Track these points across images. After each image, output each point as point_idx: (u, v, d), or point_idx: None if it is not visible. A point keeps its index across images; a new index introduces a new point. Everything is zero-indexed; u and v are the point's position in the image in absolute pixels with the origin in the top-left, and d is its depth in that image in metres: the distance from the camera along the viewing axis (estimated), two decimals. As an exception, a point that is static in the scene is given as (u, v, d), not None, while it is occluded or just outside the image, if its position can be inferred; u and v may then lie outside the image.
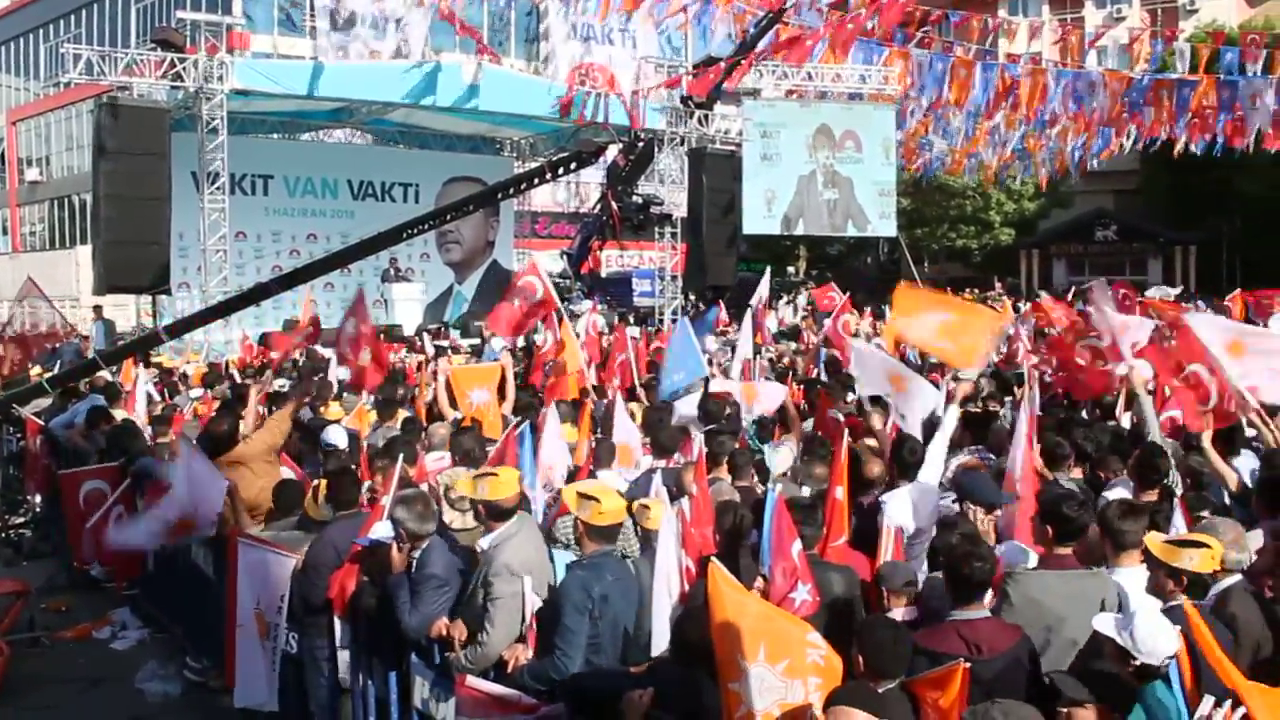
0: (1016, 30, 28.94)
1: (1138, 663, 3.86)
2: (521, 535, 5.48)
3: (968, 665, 3.92)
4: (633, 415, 9.32)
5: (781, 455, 7.84)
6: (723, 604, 4.01)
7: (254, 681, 6.55)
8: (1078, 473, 7.22)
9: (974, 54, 25.55)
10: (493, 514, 5.55)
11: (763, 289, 22.49)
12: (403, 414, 10.16)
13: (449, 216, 13.05)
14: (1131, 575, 4.91)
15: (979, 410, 9.37)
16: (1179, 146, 27.24)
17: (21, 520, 13.04)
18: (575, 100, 23.56)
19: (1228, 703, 3.50)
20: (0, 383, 13.06)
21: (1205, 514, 5.84)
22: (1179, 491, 6.40)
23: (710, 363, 13.89)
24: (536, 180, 11.49)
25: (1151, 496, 6.22)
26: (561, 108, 23.55)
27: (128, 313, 26.92)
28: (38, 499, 12.80)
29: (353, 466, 7.72)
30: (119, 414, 11.31)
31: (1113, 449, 7.43)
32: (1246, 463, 7.28)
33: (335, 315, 26.84)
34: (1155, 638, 3.85)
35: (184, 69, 21.25)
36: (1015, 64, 25.03)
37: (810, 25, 24.68)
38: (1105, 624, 3.99)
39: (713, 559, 4.14)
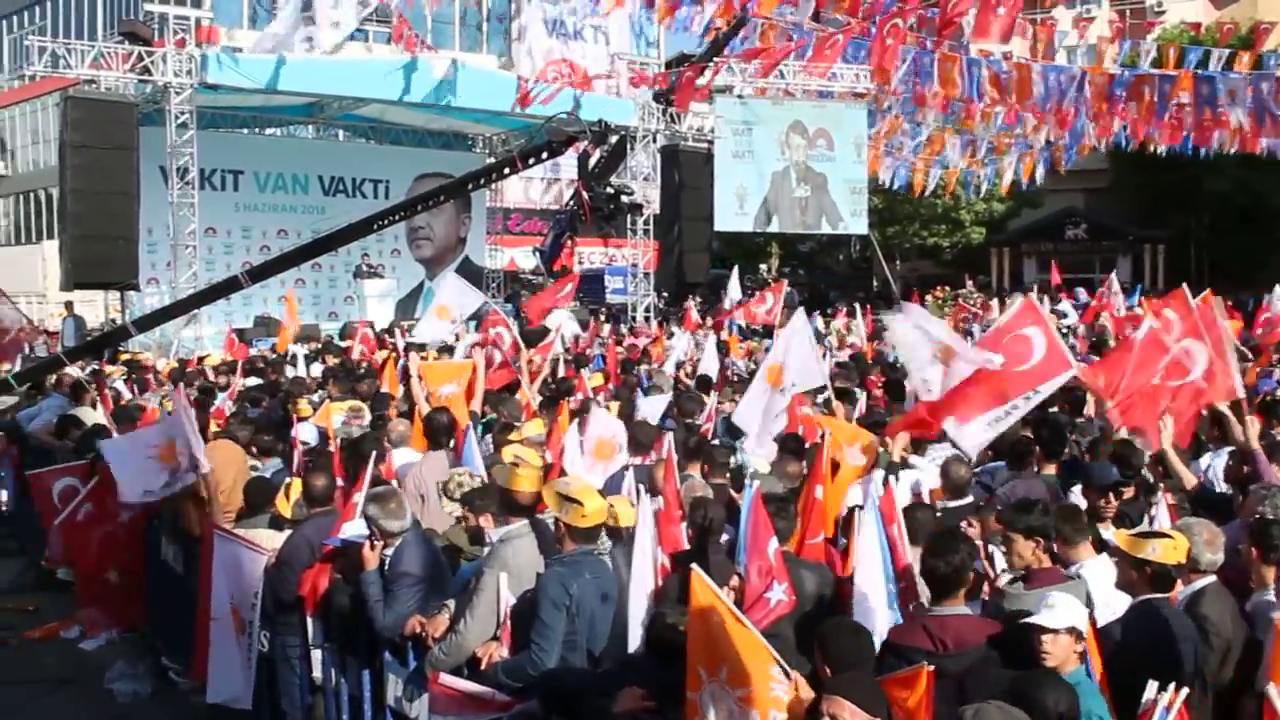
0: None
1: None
2: (530, 537, 5.48)
3: (932, 668, 3.95)
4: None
5: (755, 452, 7.87)
6: (699, 613, 4.01)
7: (227, 676, 6.50)
8: (1052, 469, 7.28)
9: (946, 50, 25.63)
10: (507, 505, 5.56)
11: (733, 288, 22.64)
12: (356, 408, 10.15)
13: (420, 207, 12.98)
14: (1093, 566, 5.14)
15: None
16: (1157, 144, 27.47)
17: (-12, 519, 12.90)
18: (533, 91, 23.51)
19: (1171, 686, 3.56)
20: None
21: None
22: (1161, 488, 6.48)
23: (677, 368, 13.98)
24: (507, 170, 11.48)
25: (1128, 492, 6.29)
26: (520, 98, 23.49)
27: (96, 309, 26.66)
28: (4, 497, 12.67)
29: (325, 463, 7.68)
30: (86, 413, 11.19)
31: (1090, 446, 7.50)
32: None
33: (307, 312, 26.87)
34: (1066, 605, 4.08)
35: (152, 62, 21.05)
36: (1003, 60, 25.10)
37: (786, 22, 24.65)
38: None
39: (695, 565, 4.12)
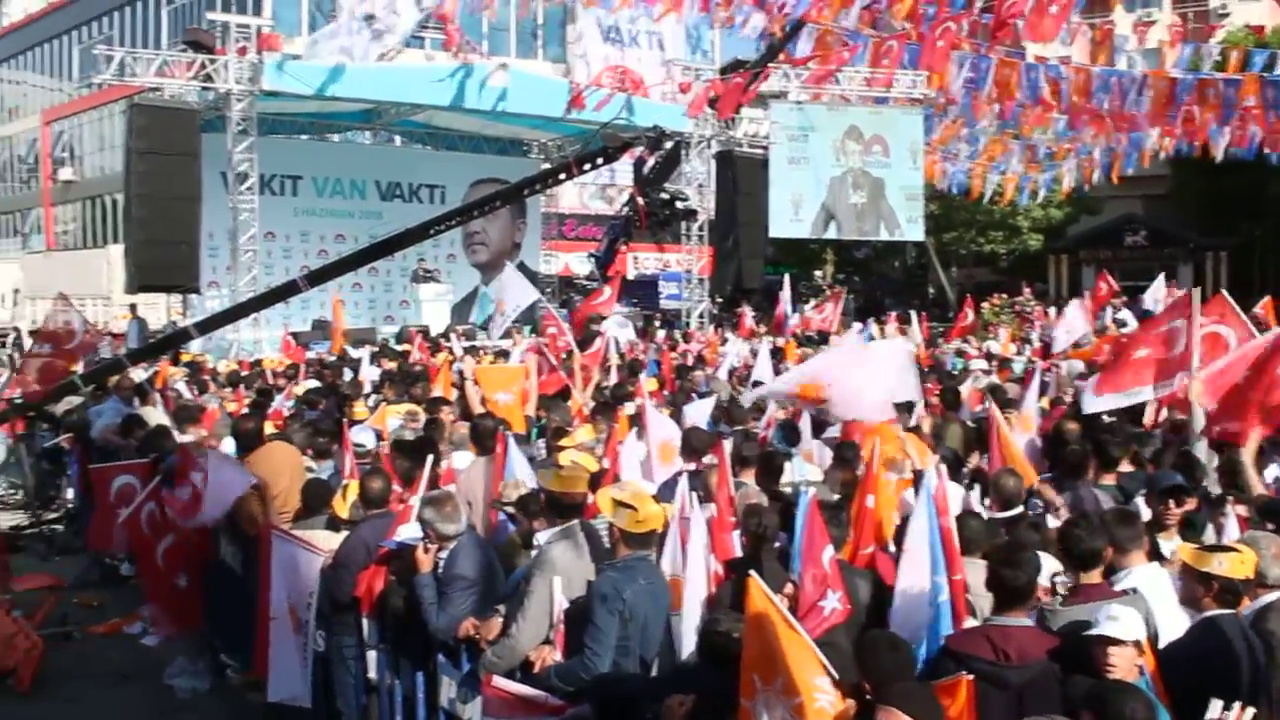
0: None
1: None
2: (577, 539, 5.50)
3: (971, 677, 3.92)
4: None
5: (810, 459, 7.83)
6: (755, 620, 4.00)
7: (287, 675, 6.57)
8: (1110, 479, 7.18)
9: (1003, 55, 25.37)
10: (553, 508, 5.59)
11: (785, 296, 22.57)
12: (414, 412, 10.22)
13: (476, 213, 13.08)
14: (1142, 573, 5.04)
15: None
16: (1219, 149, 26.96)
17: (54, 516, 13.18)
18: (586, 93, 23.58)
19: (1236, 705, 3.49)
20: (42, 389, 13.24)
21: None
22: (1230, 499, 6.36)
23: (730, 375, 13.95)
24: (562, 176, 11.56)
25: (1190, 502, 6.17)
26: (573, 98, 23.57)
27: (158, 311, 27.16)
28: (70, 495, 12.95)
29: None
30: (149, 413, 11.41)
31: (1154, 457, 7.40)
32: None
33: (363, 315, 27.18)
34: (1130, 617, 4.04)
35: (214, 70, 21.42)
36: (1058, 65, 24.79)
37: (841, 28, 24.53)
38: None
39: (752, 572, 4.12)
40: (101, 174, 43.89)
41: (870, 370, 7.90)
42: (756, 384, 12.34)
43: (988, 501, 6.75)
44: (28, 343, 16.97)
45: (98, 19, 43.65)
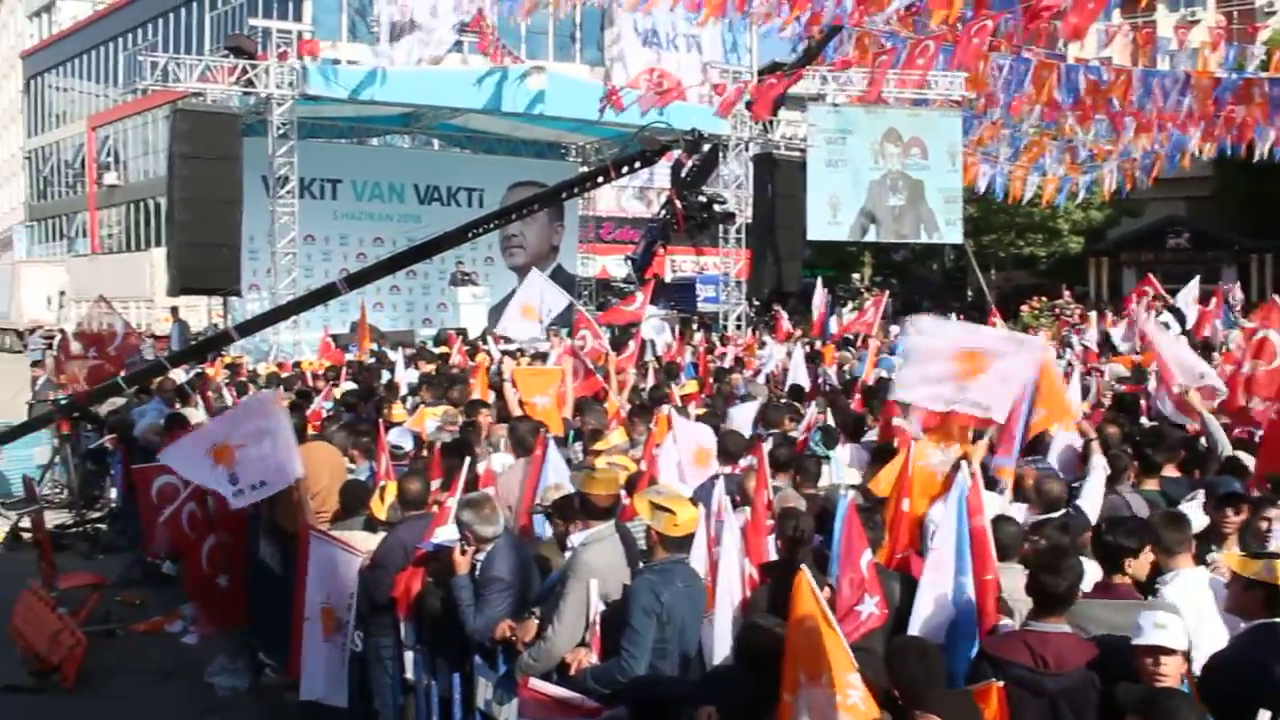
0: (1086, 34, 28.43)
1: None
2: (612, 540, 5.51)
3: (1002, 684, 3.90)
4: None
5: (846, 461, 7.79)
6: (801, 616, 4.03)
7: (318, 675, 6.62)
8: (1153, 484, 7.09)
9: (1043, 57, 25.13)
10: (586, 510, 5.60)
11: (818, 299, 22.47)
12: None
13: (514, 216, 13.14)
14: (1190, 575, 5.03)
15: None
16: (1264, 149, 26.56)
17: (98, 515, 13.37)
18: (622, 93, 23.60)
19: None
20: (88, 390, 13.45)
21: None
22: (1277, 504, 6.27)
23: (767, 379, 13.91)
24: (600, 179, 11.56)
25: (1247, 512, 6.09)
26: (608, 94, 23.58)
27: (199, 313, 27.48)
28: (114, 494, 13.12)
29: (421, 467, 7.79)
30: (192, 413, 11.56)
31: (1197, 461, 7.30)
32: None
33: (401, 318, 27.37)
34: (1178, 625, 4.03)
35: (255, 75, 21.65)
36: (1098, 66, 24.53)
37: (879, 30, 24.41)
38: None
39: (804, 567, 4.13)
40: (145, 178, 44.47)
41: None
42: (794, 388, 12.31)
43: (1026, 506, 6.68)
44: (73, 345, 17.26)
45: (143, 26, 44.22)
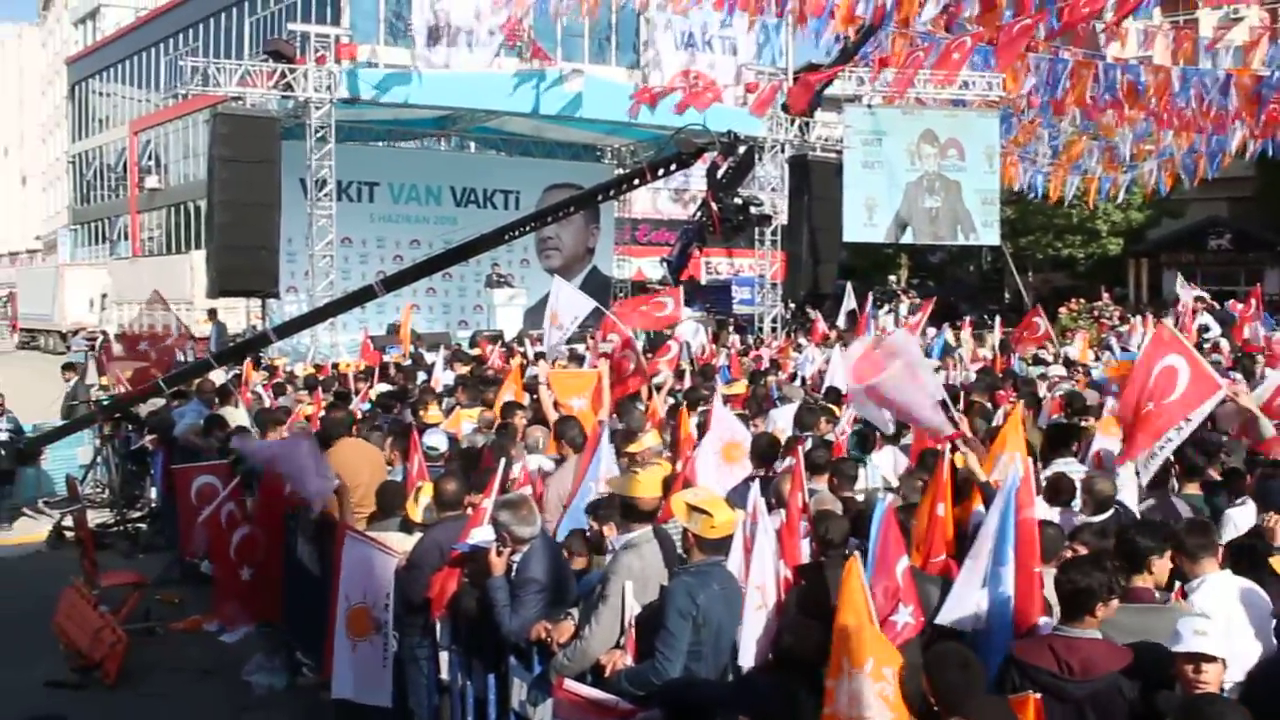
0: (1127, 34, 28.12)
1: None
2: (653, 544, 5.51)
3: (1039, 696, 3.92)
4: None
5: (883, 465, 7.75)
6: (849, 603, 4.11)
7: (347, 674, 6.66)
8: (1194, 488, 7.02)
9: (1080, 59, 24.90)
10: (627, 513, 5.61)
11: (850, 302, 22.38)
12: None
13: (550, 219, 13.15)
14: (1217, 581, 5.02)
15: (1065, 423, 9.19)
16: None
17: (139, 515, 13.52)
18: (657, 91, 23.62)
19: None
20: (130, 392, 13.63)
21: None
22: None
23: (803, 382, 13.87)
24: (637, 181, 11.52)
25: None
26: (641, 92, 23.58)
27: (238, 315, 27.72)
28: (154, 494, 13.27)
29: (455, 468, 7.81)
30: (230, 413, 11.67)
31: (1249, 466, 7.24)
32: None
33: (438, 320, 27.50)
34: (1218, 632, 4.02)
35: (294, 79, 21.84)
36: (1138, 66, 24.27)
37: (916, 31, 24.26)
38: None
39: (855, 554, 4.26)
40: (185, 182, 44.96)
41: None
42: (832, 390, 12.26)
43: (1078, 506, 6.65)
44: (115, 347, 17.50)
45: (184, 31, 44.72)
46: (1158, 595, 5.03)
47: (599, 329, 14.32)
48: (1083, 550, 5.35)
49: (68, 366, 18.09)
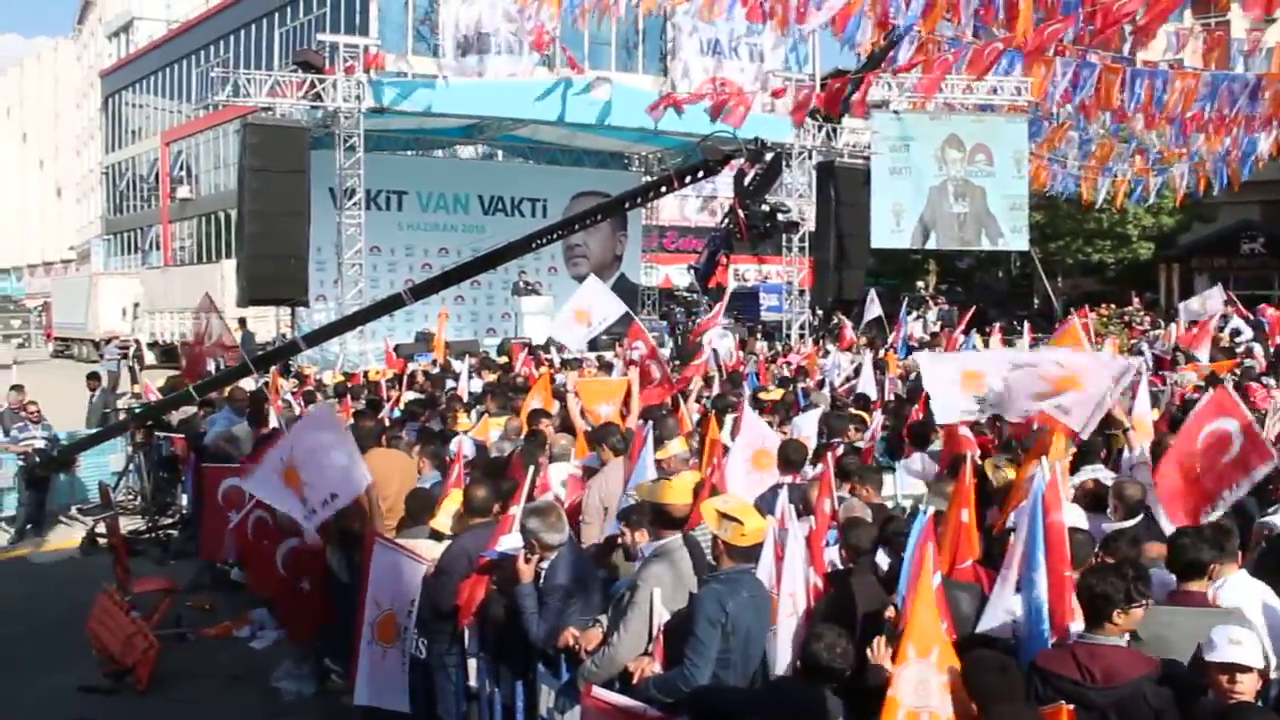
0: (1154, 36, 27.90)
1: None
2: (683, 552, 5.50)
3: (1071, 707, 3.92)
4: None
5: (914, 472, 7.71)
6: (921, 592, 4.31)
7: (365, 680, 6.68)
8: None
9: (1110, 61, 24.71)
10: (659, 520, 5.61)
11: (870, 310, 22.28)
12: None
13: (577, 226, 13.19)
14: (1236, 581, 5.19)
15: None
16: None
17: (170, 521, 13.63)
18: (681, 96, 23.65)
19: None
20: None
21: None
22: None
23: (831, 389, 13.83)
24: (664, 189, 11.52)
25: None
26: (669, 102, 23.61)
27: (268, 324, 27.91)
28: (185, 501, 13.36)
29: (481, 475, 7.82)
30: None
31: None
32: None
33: (466, 328, 27.58)
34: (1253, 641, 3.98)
35: (323, 89, 21.99)
36: (1166, 70, 24.05)
37: (946, 37, 24.16)
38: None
39: (929, 544, 4.47)
40: (216, 191, 45.33)
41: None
42: (860, 396, 12.21)
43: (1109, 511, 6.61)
44: (147, 355, 17.66)
45: (215, 43, 45.14)
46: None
47: (626, 336, 14.32)
48: (1109, 560, 5.34)
49: (92, 376, 18.22)
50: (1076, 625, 4.73)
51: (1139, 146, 29.63)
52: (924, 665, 4.02)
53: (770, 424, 9.59)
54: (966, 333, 19.13)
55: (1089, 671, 4.22)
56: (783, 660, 5.18)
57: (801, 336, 26.42)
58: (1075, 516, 6.33)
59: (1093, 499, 6.83)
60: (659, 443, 8.59)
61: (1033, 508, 5.06)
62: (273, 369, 15.75)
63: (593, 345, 22.03)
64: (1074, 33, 20.47)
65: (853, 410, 10.84)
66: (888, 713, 3.99)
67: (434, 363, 18.33)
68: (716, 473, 7.44)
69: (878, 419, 10.14)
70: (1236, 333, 19.24)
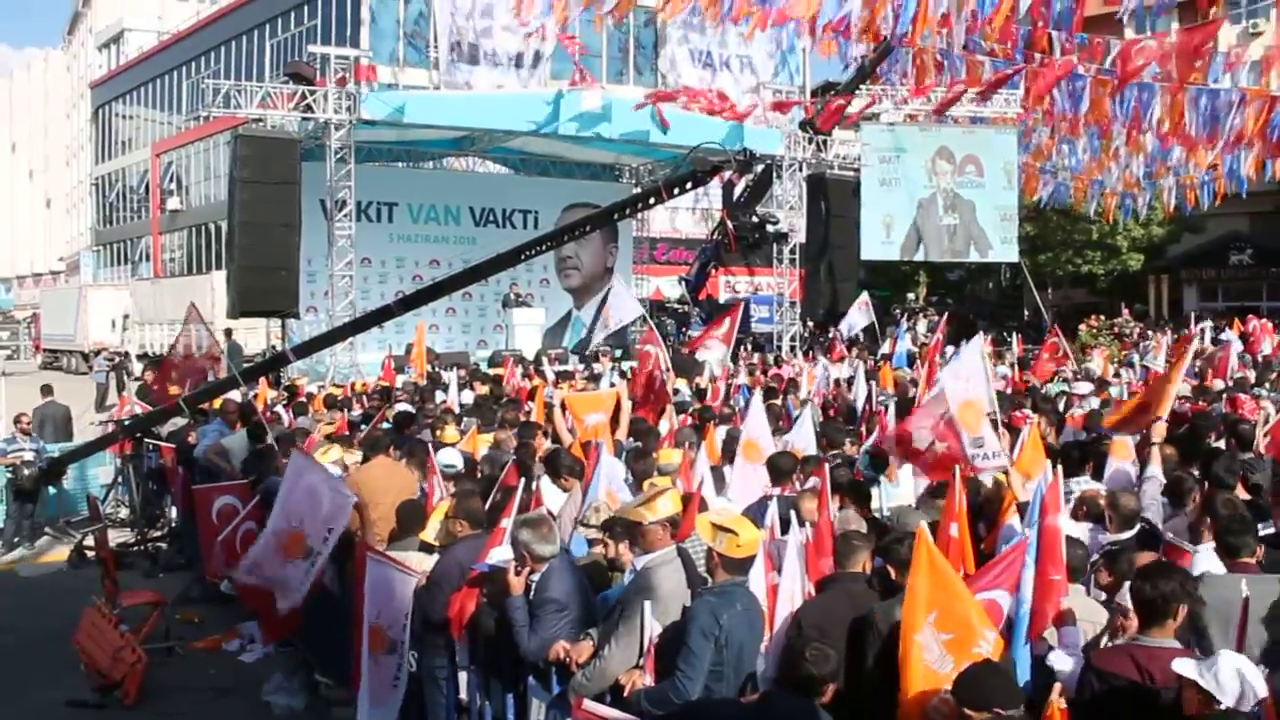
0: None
1: (1221, 708, 3.80)
2: (676, 564, 5.50)
3: (1065, 707, 4.01)
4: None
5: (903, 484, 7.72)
6: (921, 566, 4.62)
7: (364, 694, 6.65)
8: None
9: (1096, 73, 24.82)
10: (636, 537, 5.60)
11: (860, 320, 22.31)
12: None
13: (567, 238, 13.22)
14: (1205, 551, 5.54)
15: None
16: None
17: (159, 534, 13.58)
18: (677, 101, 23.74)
19: None
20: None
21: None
22: None
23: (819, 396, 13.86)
24: (653, 200, 11.54)
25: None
26: (652, 100, 23.68)
27: (258, 335, 27.83)
28: (174, 513, 13.32)
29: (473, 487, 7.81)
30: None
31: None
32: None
33: (456, 340, 27.54)
34: (1241, 679, 3.82)
35: (314, 100, 21.98)
36: (1156, 84, 24.13)
37: (934, 48, 24.26)
38: (1186, 666, 3.96)
39: (923, 524, 4.71)
40: (206, 203, 45.30)
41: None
42: (849, 409, 12.23)
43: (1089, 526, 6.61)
44: (136, 367, 17.54)
45: (205, 54, 45.15)
46: None
47: (640, 339, 14.41)
48: (1107, 577, 5.40)
49: (45, 389, 17.56)
50: (1071, 628, 4.93)
51: (1126, 164, 29.72)
52: (943, 634, 4.48)
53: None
54: (954, 344, 19.15)
55: (1148, 673, 4.27)
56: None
57: (792, 348, 26.44)
58: (1071, 528, 6.37)
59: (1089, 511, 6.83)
60: (644, 454, 8.61)
61: (1035, 511, 5.19)
62: (262, 380, 15.73)
63: (582, 357, 22.05)
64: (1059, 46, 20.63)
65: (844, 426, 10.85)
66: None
67: (418, 375, 18.29)
68: (684, 476, 7.52)
69: (874, 435, 10.16)
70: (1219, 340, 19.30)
